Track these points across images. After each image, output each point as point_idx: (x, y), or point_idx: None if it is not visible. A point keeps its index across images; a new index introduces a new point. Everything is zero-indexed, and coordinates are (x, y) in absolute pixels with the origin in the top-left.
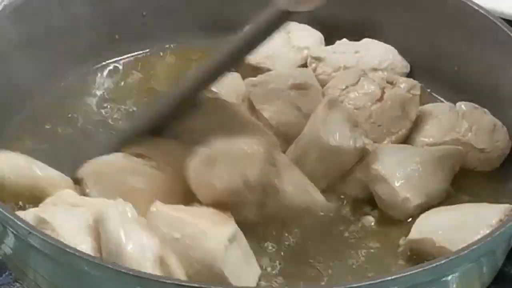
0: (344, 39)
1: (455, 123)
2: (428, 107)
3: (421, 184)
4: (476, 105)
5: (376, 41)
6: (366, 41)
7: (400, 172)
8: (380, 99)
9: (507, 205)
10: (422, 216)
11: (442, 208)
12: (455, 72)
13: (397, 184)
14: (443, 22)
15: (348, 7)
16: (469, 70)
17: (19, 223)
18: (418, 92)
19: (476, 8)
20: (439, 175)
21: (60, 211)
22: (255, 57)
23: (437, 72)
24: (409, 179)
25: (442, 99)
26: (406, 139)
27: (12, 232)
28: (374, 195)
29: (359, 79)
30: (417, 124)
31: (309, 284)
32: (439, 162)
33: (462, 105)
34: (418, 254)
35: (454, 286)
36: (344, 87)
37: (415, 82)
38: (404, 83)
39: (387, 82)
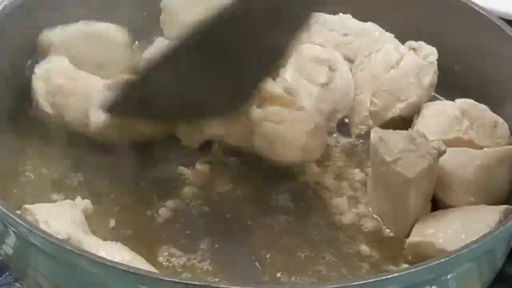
0: (349, 15)
1: (455, 121)
2: (428, 105)
3: (484, 187)
4: (476, 102)
5: (379, 28)
6: (369, 27)
7: (461, 177)
8: (395, 66)
9: (505, 206)
10: (422, 219)
11: (441, 211)
12: (455, 72)
13: (460, 189)
14: (443, 22)
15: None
16: (469, 69)
17: (19, 221)
18: (434, 60)
19: (476, 8)
20: (501, 176)
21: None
22: None
23: (437, 71)
24: (472, 183)
25: (442, 98)
26: (419, 107)
27: (13, 231)
28: (436, 200)
29: (383, 46)
30: (417, 123)
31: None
32: (500, 163)
33: (462, 103)
34: (419, 258)
35: (454, 285)
36: (368, 53)
37: (433, 49)
38: (424, 51)
39: (410, 49)
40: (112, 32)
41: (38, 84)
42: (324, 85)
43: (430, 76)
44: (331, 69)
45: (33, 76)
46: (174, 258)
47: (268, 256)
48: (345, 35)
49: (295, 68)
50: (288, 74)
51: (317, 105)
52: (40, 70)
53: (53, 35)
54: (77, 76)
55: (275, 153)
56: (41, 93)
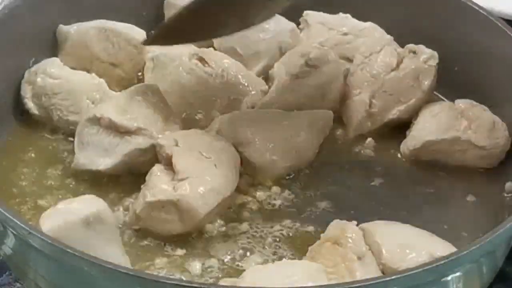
0: (348, 15)
1: (454, 120)
2: (427, 106)
3: (289, 146)
4: (475, 102)
5: (379, 28)
6: (368, 26)
7: (267, 136)
8: (395, 68)
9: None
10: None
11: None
12: (455, 72)
13: (263, 146)
14: (443, 22)
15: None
16: (469, 70)
17: (19, 223)
18: (434, 64)
19: (476, 8)
20: (308, 138)
21: None
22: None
23: (437, 71)
24: (277, 142)
25: (442, 98)
26: (418, 110)
27: (12, 232)
28: (243, 159)
29: (383, 47)
30: (416, 124)
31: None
32: (307, 125)
33: (461, 103)
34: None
35: (455, 286)
36: (368, 54)
37: (434, 53)
38: (425, 54)
39: (410, 51)
40: (131, 32)
41: (25, 88)
42: (295, 76)
43: (430, 80)
44: (309, 64)
45: (22, 80)
46: (175, 257)
47: (268, 238)
48: (345, 34)
49: (284, 65)
50: (276, 70)
51: (283, 95)
52: (27, 74)
53: (71, 28)
54: (62, 76)
55: None
56: (28, 97)
